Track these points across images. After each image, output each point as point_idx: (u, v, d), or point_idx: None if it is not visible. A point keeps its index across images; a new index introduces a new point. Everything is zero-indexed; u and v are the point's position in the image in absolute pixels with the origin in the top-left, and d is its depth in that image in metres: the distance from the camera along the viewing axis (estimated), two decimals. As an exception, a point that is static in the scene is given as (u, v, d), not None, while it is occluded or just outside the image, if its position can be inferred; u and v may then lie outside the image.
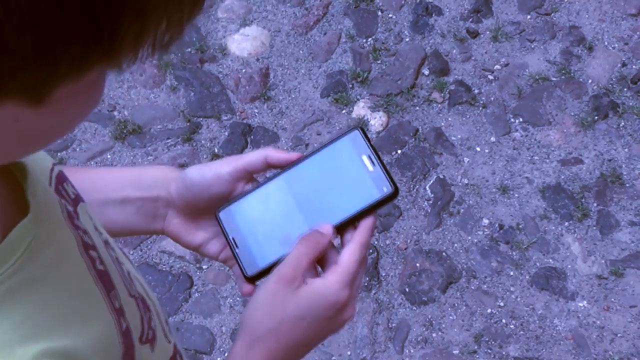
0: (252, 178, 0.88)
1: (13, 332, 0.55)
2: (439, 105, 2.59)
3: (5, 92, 0.45)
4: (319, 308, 0.81)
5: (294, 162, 0.85)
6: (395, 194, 0.82)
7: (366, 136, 0.83)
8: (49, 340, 0.57)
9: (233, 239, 0.86)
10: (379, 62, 2.66)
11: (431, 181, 2.46)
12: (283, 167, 0.86)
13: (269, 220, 0.86)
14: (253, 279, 0.86)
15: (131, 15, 0.44)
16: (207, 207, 0.88)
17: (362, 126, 0.97)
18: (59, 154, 2.50)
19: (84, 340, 0.61)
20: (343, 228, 0.84)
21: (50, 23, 0.41)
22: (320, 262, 0.84)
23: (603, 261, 2.32)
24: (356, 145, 0.84)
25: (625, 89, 2.57)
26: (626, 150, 2.48)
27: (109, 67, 0.48)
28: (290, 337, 0.82)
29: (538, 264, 2.33)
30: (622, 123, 2.52)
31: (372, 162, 0.83)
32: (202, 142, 2.51)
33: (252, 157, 0.86)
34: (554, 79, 2.61)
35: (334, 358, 2.22)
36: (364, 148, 0.83)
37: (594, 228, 2.37)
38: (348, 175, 0.84)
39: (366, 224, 0.84)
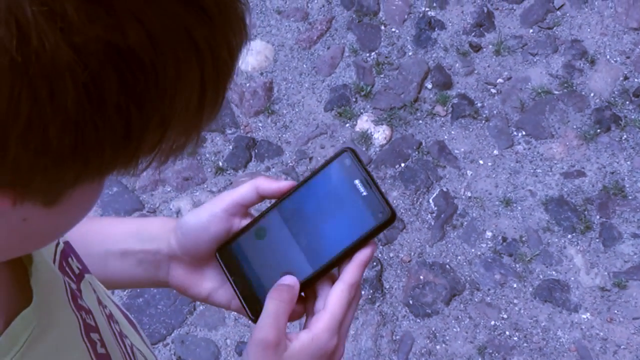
0: (247, 212, 0.85)
1: None
2: (442, 119, 2.60)
3: (29, 191, 0.45)
4: None
5: (287, 192, 0.82)
6: (391, 219, 0.79)
7: (357, 157, 0.80)
8: None
9: (234, 280, 0.83)
10: (382, 76, 2.68)
11: (434, 194, 2.48)
12: (276, 197, 0.83)
13: (268, 257, 0.83)
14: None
15: (158, 121, 0.45)
16: (209, 252, 0.85)
17: (351, 147, 0.92)
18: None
19: None
20: (341, 261, 0.80)
21: (90, 124, 0.42)
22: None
23: (606, 273, 2.33)
24: (348, 168, 0.81)
25: (627, 102, 2.59)
26: (628, 163, 2.49)
27: (125, 171, 0.49)
28: None
29: (541, 276, 2.34)
30: (625, 136, 2.53)
31: (366, 186, 0.80)
32: (207, 155, 2.53)
33: (244, 190, 0.83)
34: (556, 92, 2.62)
35: (338, 370, 2.23)
36: (355, 171, 0.80)
37: (597, 240, 2.38)
38: (342, 202, 0.80)
39: (359, 259, 0.79)
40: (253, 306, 0.82)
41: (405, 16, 2.79)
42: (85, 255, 0.78)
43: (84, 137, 0.42)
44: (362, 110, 2.61)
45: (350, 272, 0.79)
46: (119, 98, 0.42)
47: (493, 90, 2.65)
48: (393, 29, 2.77)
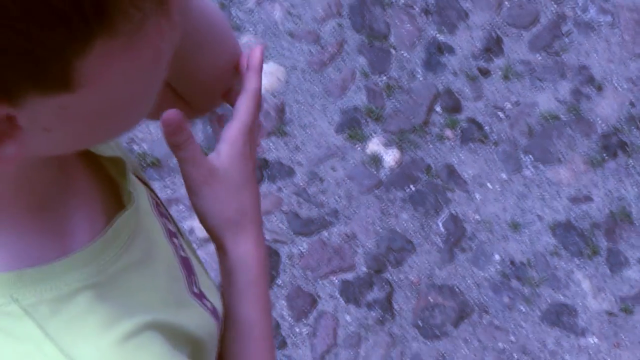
0: None
1: (119, 307, 0.62)
2: (451, 143, 2.64)
3: (18, 88, 0.47)
4: (236, 172, 0.84)
5: None
6: None
7: None
8: (153, 314, 0.64)
9: None
10: (392, 99, 2.72)
11: (444, 217, 2.51)
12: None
13: None
14: None
15: None
16: None
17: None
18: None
19: (182, 318, 0.69)
20: None
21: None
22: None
23: (613, 298, 2.37)
24: None
25: (633, 129, 2.63)
26: (635, 189, 2.53)
27: (109, 37, 0.48)
28: (243, 205, 0.85)
29: (549, 300, 2.37)
30: (631, 162, 2.58)
31: None
32: (219, 176, 2.56)
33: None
34: (564, 117, 2.67)
35: (348, 391, 2.26)
36: None
37: (604, 265, 2.42)
38: None
39: (254, 64, 0.85)
40: None
41: (415, 40, 2.83)
42: None
43: (11, 37, 0.44)
44: (372, 133, 2.65)
45: (251, 79, 0.84)
46: None
47: (501, 115, 2.69)
48: (403, 53, 2.81)
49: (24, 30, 0.44)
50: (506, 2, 2.85)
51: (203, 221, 0.84)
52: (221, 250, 0.85)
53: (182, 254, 0.77)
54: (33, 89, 0.48)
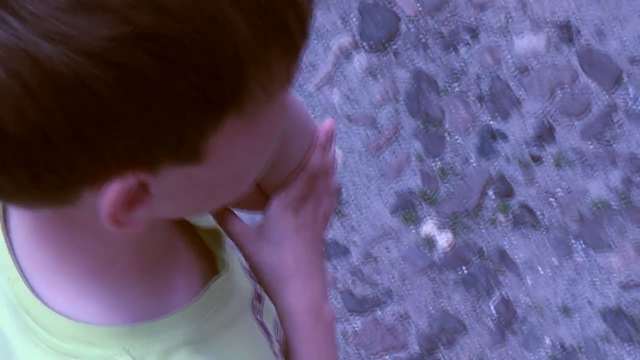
0: None
1: None
2: (504, 227, 2.71)
3: (159, 158, 0.53)
4: (272, 229, 0.88)
5: None
6: None
7: None
8: None
9: None
10: (446, 182, 2.80)
11: (495, 300, 2.57)
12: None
13: None
14: None
15: (228, 72, 0.51)
16: None
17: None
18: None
19: None
20: None
21: (165, 97, 0.49)
22: None
23: (663, 386, 2.39)
24: None
25: (684, 218, 2.68)
26: (685, 277, 2.57)
27: (237, 115, 0.54)
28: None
29: (599, 386, 2.40)
30: (682, 251, 2.62)
31: None
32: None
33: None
34: (614, 205, 2.72)
35: None
36: None
37: (655, 352, 2.45)
38: None
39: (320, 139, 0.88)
40: None
41: (469, 126, 2.93)
42: None
43: (159, 112, 0.50)
44: (426, 216, 2.73)
45: (316, 153, 0.88)
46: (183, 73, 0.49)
47: (553, 201, 2.75)
48: (457, 139, 2.90)
49: (174, 106, 0.50)
50: (558, 92, 2.94)
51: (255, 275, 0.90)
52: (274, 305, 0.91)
53: (259, 317, 0.84)
54: (169, 159, 0.54)
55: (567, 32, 3.00)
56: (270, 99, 0.56)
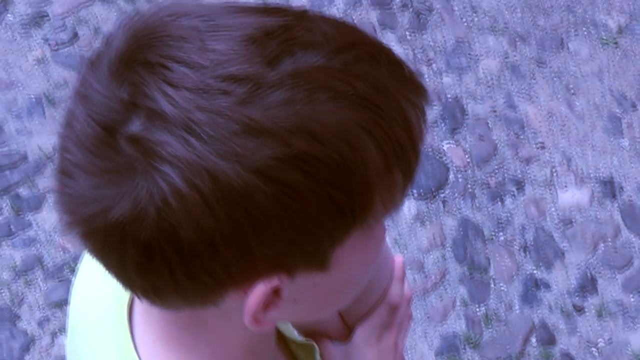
0: None
1: None
2: (545, 374, 2.77)
3: (297, 264, 0.60)
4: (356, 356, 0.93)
5: None
6: None
7: None
8: None
9: None
10: (490, 328, 2.89)
11: None
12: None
13: None
14: None
15: (360, 189, 0.58)
16: None
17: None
18: None
19: None
20: None
21: (303, 214, 0.56)
22: None
23: None
24: None
25: None
26: None
27: (361, 229, 0.61)
28: None
29: None
30: None
31: None
32: None
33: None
34: (655, 358, 2.78)
35: None
36: None
37: None
38: None
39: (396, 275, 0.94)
40: None
41: (514, 275, 3.04)
42: None
43: (304, 222, 0.56)
44: (469, 359, 2.81)
45: (394, 286, 0.93)
46: (322, 188, 0.56)
47: (595, 351, 2.82)
48: (502, 286, 3.01)
49: (316, 217, 0.57)
50: (601, 245, 3.05)
51: None
52: None
53: None
54: (304, 265, 0.60)
55: (610, 187, 3.14)
56: (386, 214, 0.63)
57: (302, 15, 0.59)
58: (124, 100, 0.55)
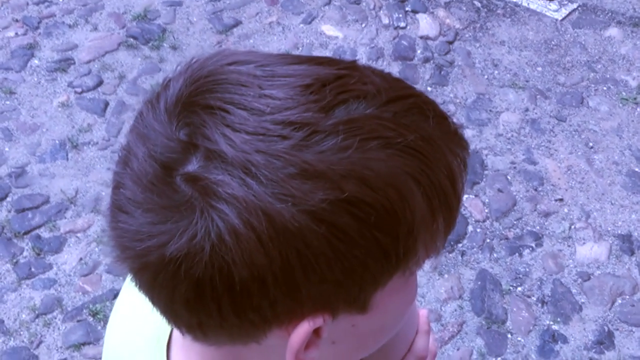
0: None
1: None
2: None
3: (340, 304, 0.61)
4: None
5: None
6: None
7: None
8: None
9: None
10: (506, 381, 2.88)
11: None
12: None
13: None
14: None
15: (405, 233, 0.59)
16: None
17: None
18: None
19: None
20: None
21: (351, 256, 0.58)
22: None
23: None
24: None
25: None
26: None
27: (402, 272, 0.63)
28: None
29: None
30: None
31: None
32: None
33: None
34: (674, 415, 2.76)
35: None
36: None
37: None
38: None
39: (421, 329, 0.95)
40: None
41: (531, 327, 3.03)
42: None
43: (351, 264, 0.58)
44: (486, 412, 2.80)
45: (419, 339, 0.96)
46: (367, 232, 0.57)
47: (612, 407, 2.80)
48: (519, 338, 3.00)
49: (362, 259, 0.58)
50: (619, 300, 3.05)
51: None
52: None
53: None
54: (346, 306, 0.61)
55: (628, 243, 3.15)
56: (427, 259, 0.65)
57: (353, 66, 0.62)
58: (183, 140, 0.57)
